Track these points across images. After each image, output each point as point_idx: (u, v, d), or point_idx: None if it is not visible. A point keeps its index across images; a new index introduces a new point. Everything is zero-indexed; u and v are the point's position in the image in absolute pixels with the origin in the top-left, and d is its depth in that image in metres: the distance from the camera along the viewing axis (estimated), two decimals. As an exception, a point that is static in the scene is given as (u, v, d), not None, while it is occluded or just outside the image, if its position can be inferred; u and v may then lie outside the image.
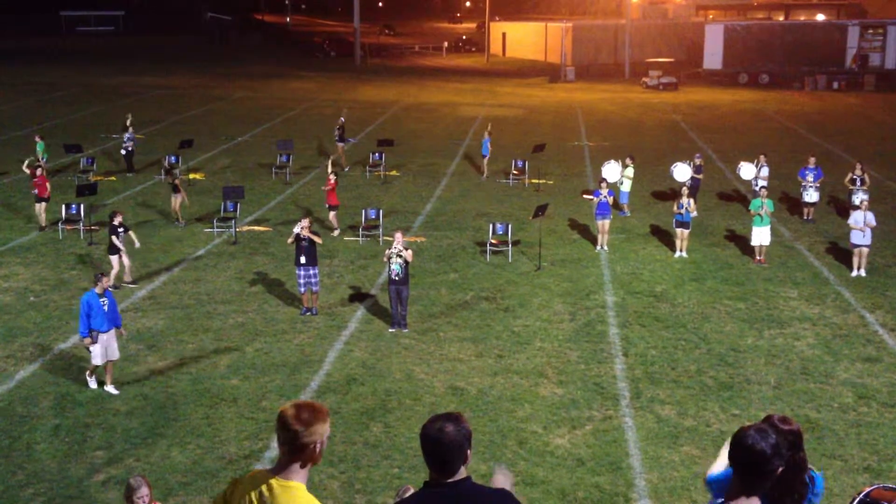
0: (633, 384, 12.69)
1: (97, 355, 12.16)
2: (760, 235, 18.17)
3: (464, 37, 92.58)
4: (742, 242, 19.47)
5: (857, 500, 7.82)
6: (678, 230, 18.71)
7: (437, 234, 20.57)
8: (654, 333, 14.59)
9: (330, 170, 21.42)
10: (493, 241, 18.89)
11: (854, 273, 17.35)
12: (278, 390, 12.36)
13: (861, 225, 17.21)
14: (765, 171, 22.40)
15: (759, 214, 18.04)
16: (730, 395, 12.31)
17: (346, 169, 27.38)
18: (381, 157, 27.26)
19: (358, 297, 16.32)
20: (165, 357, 13.53)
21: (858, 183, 21.28)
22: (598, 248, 19.18)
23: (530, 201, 22.39)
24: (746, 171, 22.45)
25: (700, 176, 22.70)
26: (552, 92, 52.77)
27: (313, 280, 15.22)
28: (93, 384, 12.35)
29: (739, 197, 23.88)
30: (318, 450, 3.48)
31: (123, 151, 26.57)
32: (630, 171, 22.24)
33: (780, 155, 27.95)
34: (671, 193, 22.02)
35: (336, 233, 20.08)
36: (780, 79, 54.33)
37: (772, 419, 5.31)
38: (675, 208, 18.72)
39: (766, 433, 3.90)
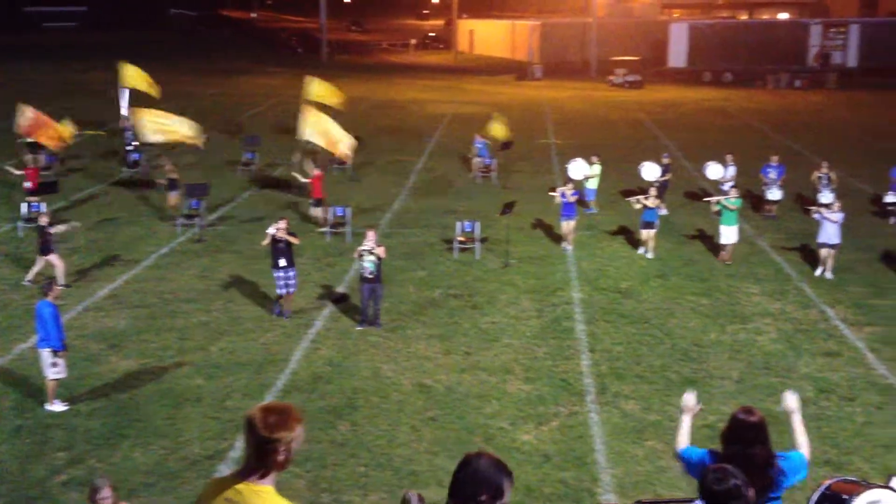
0: (598, 380, 12.77)
1: (63, 369, 11.62)
2: (728, 234, 18.08)
3: (431, 34, 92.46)
4: (706, 239, 19.65)
5: (818, 493, 7.93)
6: (644, 231, 18.56)
7: (404, 231, 20.55)
8: (619, 329, 14.69)
9: (312, 164, 21.41)
10: (461, 239, 18.89)
11: (818, 273, 17.29)
12: (243, 390, 12.27)
13: (823, 217, 17.16)
14: (732, 171, 22.42)
15: (728, 207, 17.84)
16: (693, 390, 12.40)
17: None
18: (347, 155, 27.12)
19: (325, 295, 16.25)
20: (128, 357, 13.37)
21: (825, 181, 21.47)
22: (562, 247, 19.08)
23: (498, 198, 22.41)
24: (713, 171, 22.44)
25: (668, 177, 22.62)
26: (520, 89, 52.93)
27: (291, 282, 14.97)
28: (60, 406, 11.64)
29: (706, 195, 23.98)
30: (283, 457, 3.42)
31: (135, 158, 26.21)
32: (596, 169, 22.32)
33: (743, 153, 28.20)
34: (639, 192, 21.95)
35: (325, 229, 19.98)
36: (743, 77, 54.91)
37: (736, 414, 5.40)
38: (633, 204, 18.63)
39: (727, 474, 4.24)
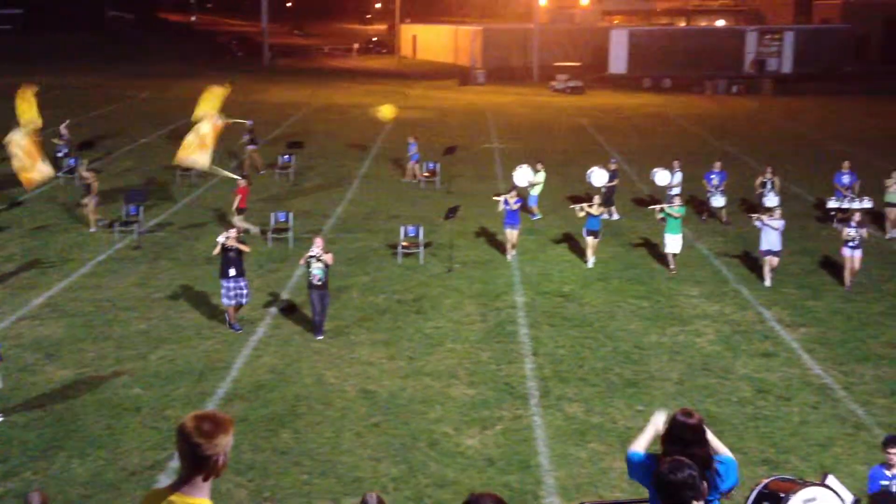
0: (542, 383, 12.86)
1: None
2: (672, 243, 17.87)
3: (374, 38, 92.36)
4: (648, 243, 19.92)
5: (756, 491, 8.08)
6: (588, 238, 18.29)
7: (348, 236, 20.45)
8: (562, 333, 14.81)
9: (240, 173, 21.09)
10: (405, 244, 18.85)
11: (767, 283, 17.15)
12: (183, 399, 12.08)
13: (764, 225, 17.07)
14: (679, 177, 22.27)
15: (671, 215, 17.69)
16: (634, 392, 12.59)
17: (262, 171, 26.97)
18: (290, 160, 26.98)
19: (267, 302, 16.08)
20: (65, 367, 13.07)
21: (769, 186, 21.57)
22: (507, 256, 18.76)
23: (442, 203, 22.45)
24: (661, 177, 22.29)
25: (615, 182, 22.41)
26: (463, 94, 53.11)
27: (244, 292, 14.53)
28: None
29: (653, 201, 24.22)
30: (220, 462, 3.41)
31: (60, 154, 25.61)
32: (541, 176, 22.28)
33: (682, 157, 28.66)
34: (585, 197, 21.88)
35: (255, 231, 19.79)
36: (682, 83, 55.87)
37: (675, 415, 5.48)
38: (577, 212, 18.38)
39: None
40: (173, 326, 14.76)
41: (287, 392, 12.40)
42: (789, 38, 58.55)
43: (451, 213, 18.86)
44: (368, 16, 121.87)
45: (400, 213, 22.52)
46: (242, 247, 14.55)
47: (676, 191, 21.41)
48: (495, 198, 19.80)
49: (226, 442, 3.40)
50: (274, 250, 19.15)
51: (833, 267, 18.11)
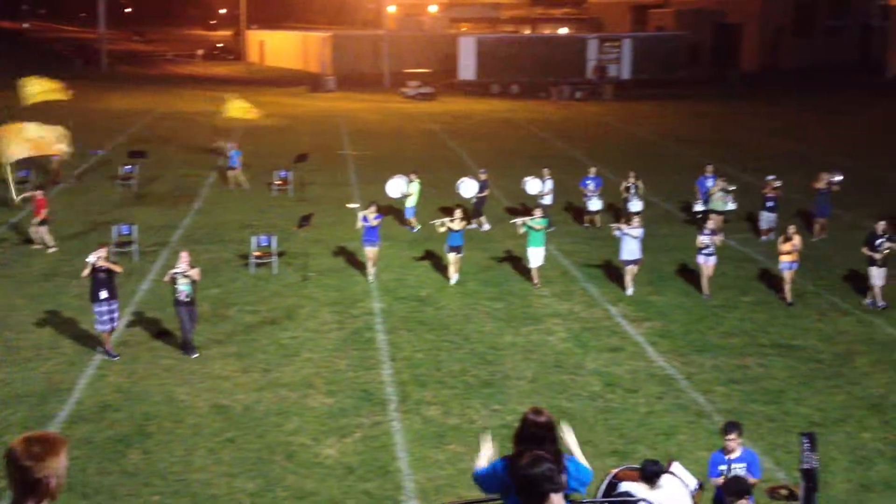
0: (400, 388, 12.89)
1: None
2: (535, 255, 17.55)
3: (220, 44, 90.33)
4: (500, 246, 20.27)
5: (606, 482, 8.37)
6: (450, 255, 17.49)
7: (197, 248, 19.78)
8: (419, 337, 14.90)
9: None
10: (257, 254, 18.46)
11: (629, 292, 17.10)
12: (22, 423, 11.39)
13: (623, 234, 17.06)
14: (549, 185, 22.05)
15: (533, 228, 17.29)
16: (491, 392, 12.81)
17: (61, 184, 25.79)
18: (133, 170, 25.97)
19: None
20: None
21: (633, 190, 21.67)
22: (368, 277, 17.67)
23: (295, 211, 22.14)
24: (532, 185, 22.05)
25: (486, 192, 22.02)
26: (313, 101, 52.66)
27: (116, 315, 13.72)
28: None
29: (525, 211, 24.49)
30: (52, 485, 3.24)
31: None
32: (414, 187, 21.75)
33: (534, 161, 29.42)
34: (451, 209, 21.30)
35: (52, 250, 18.98)
36: (529, 89, 57.34)
37: (526, 414, 5.58)
38: (438, 227, 17.64)
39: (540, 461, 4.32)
40: (10, 348, 13.92)
41: (135, 411, 11.91)
42: (627, 45, 61.14)
43: (305, 221, 18.65)
44: (213, 21, 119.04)
45: (251, 222, 22.06)
46: (114, 267, 13.80)
47: (548, 199, 21.52)
48: (350, 206, 19.66)
49: (58, 464, 3.25)
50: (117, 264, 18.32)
51: (675, 264, 18.99)
